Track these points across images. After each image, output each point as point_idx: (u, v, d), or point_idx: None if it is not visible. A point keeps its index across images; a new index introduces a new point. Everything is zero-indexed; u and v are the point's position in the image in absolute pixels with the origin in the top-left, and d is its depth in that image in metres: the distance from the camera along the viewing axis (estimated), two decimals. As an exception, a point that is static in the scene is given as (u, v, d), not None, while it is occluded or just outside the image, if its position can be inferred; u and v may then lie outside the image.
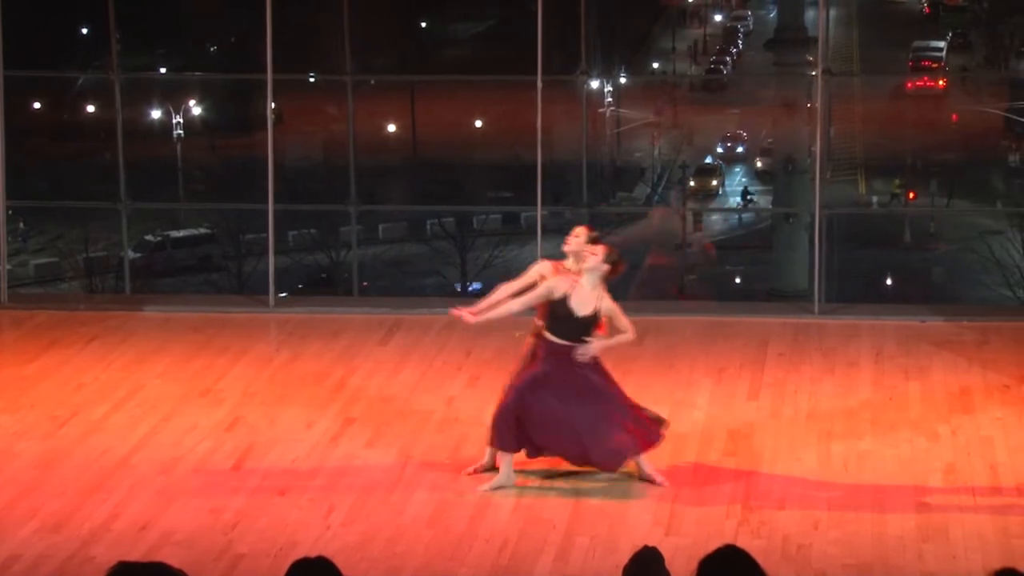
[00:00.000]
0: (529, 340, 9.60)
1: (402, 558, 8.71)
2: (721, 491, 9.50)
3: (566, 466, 9.78)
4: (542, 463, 9.82)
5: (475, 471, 9.69)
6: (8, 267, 14.37)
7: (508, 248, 34.58)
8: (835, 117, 37.56)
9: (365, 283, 29.21)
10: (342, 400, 11.21)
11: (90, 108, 39.13)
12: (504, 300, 9.44)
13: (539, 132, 14.02)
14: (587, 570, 8.56)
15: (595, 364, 9.42)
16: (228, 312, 13.66)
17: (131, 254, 22.44)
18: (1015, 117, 40.28)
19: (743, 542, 8.50)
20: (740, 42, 54.17)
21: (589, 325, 9.25)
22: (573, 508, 9.28)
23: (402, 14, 45.07)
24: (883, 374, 11.67)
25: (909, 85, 45.52)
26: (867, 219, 37.18)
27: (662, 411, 10.83)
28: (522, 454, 9.62)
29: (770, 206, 38.11)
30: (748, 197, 41.75)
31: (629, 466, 9.57)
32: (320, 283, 33.26)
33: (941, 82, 46.20)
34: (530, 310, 9.56)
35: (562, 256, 9.57)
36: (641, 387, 11.41)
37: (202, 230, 37.74)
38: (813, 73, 16.46)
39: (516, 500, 9.38)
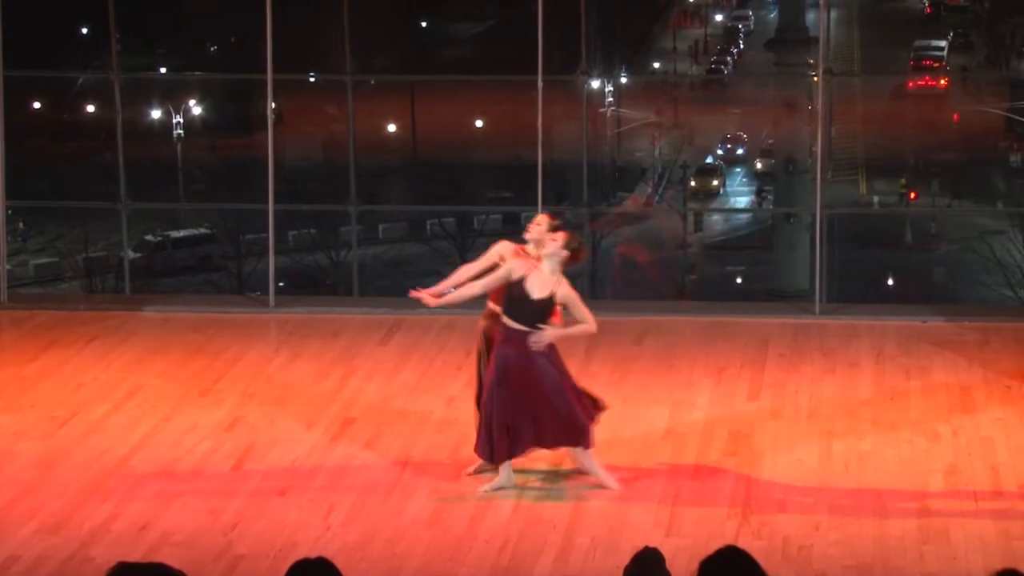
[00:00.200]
0: (481, 323, 9.60)
1: (402, 559, 8.70)
2: (722, 492, 9.50)
3: (567, 466, 9.78)
4: (543, 464, 9.81)
5: (475, 471, 9.68)
6: (8, 267, 14.37)
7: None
8: (836, 117, 37.52)
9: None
10: (342, 400, 11.21)
11: (90, 108, 39.11)
12: (464, 282, 9.43)
13: (540, 132, 14.01)
14: (587, 571, 8.55)
15: (550, 352, 9.34)
16: (228, 312, 13.66)
17: (131, 254, 22.42)
18: (1016, 117, 40.25)
19: (744, 543, 8.49)
20: (741, 42, 54.15)
21: (544, 310, 9.19)
22: (573, 509, 9.27)
23: (402, 14, 45.04)
24: (884, 374, 11.67)
25: (910, 84, 45.50)
26: (868, 219, 37.15)
27: (662, 411, 10.86)
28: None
29: (770, 206, 38.09)
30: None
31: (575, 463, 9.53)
32: (319, 285, 33.24)
33: (942, 81, 46.18)
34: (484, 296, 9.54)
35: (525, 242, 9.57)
36: (641, 387, 11.43)
37: (202, 230, 37.71)
38: (814, 74, 16.46)
39: (516, 501, 9.37)
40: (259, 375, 11.79)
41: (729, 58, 52.45)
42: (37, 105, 40.50)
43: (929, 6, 55.53)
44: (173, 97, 40.28)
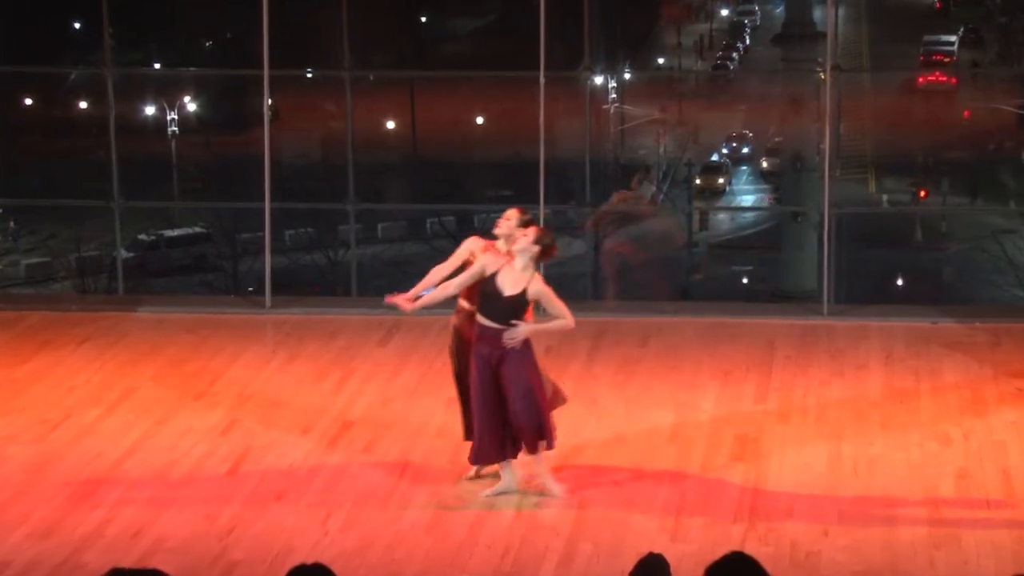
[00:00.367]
0: (453, 321, 9.59)
1: (401, 565, 8.69)
2: (728, 497, 9.49)
3: (569, 471, 9.77)
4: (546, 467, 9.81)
5: (475, 475, 9.68)
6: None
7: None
8: (844, 114, 37.51)
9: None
10: (340, 403, 11.20)
11: (83, 104, 39.11)
12: (438, 282, 9.43)
13: (542, 129, 14.02)
14: (590, 577, 8.55)
15: (524, 349, 9.30)
16: (223, 313, 13.66)
17: (124, 254, 22.38)
18: (1029, 114, 40.23)
19: (750, 549, 8.48)
20: (747, 37, 54.15)
21: (517, 307, 9.16)
22: (576, 514, 9.27)
23: (401, 9, 45.04)
24: (893, 377, 11.66)
25: (920, 81, 45.48)
26: (877, 218, 37.14)
27: (666, 414, 10.86)
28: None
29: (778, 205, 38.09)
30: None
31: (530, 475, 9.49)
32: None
33: (952, 78, 46.15)
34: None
35: (495, 238, 9.56)
36: (645, 389, 11.43)
37: (197, 229, 37.70)
38: (822, 70, 16.46)
39: (518, 506, 9.37)
40: (255, 377, 11.78)
41: (735, 54, 52.44)
42: (29, 101, 40.51)
43: (939, 1, 55.52)
44: (167, 93, 40.28)
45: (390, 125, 42.06)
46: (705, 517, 9.19)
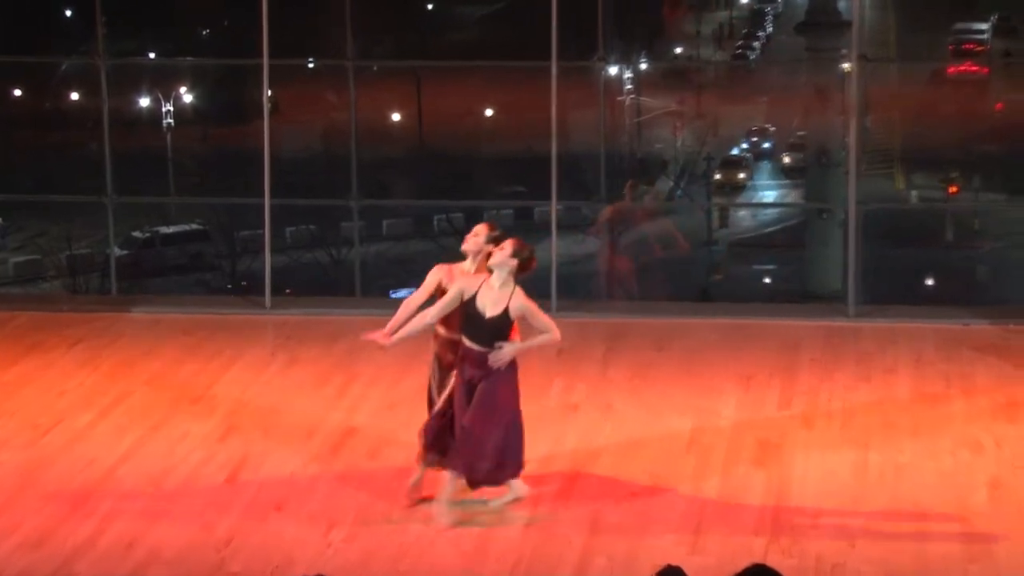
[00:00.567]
0: (432, 348, 9.58)
1: (407, 577, 8.70)
2: (749, 506, 9.48)
3: (583, 480, 9.77)
4: (557, 477, 9.80)
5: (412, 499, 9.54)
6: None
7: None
8: (871, 106, 37.48)
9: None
10: (343, 408, 11.20)
11: (74, 96, 39.20)
12: (416, 313, 9.38)
13: (553, 122, 14.01)
14: (605, 591, 8.55)
15: (509, 374, 9.23)
16: (221, 314, 13.67)
17: (118, 251, 22.42)
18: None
19: (773, 561, 8.47)
20: (769, 26, 54.12)
21: (501, 327, 9.14)
22: (590, 525, 9.26)
23: (406, -5, 45.11)
24: (923, 381, 11.65)
25: (950, 71, 45.42)
26: (905, 215, 37.11)
27: (685, 420, 10.85)
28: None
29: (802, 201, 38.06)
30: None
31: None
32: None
33: (984, 68, 46.08)
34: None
35: (461, 257, 9.53)
36: (663, 395, 11.42)
37: (194, 226, 37.78)
38: (847, 60, 16.43)
39: (530, 516, 9.36)
40: (254, 381, 11.79)
41: (756, 43, 52.42)
42: (18, 93, 40.62)
43: (970, -13, 55.43)
44: (163, 84, 40.36)
45: (395, 117, 42.11)
46: (725, 528, 9.18)
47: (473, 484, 9.29)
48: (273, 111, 14.69)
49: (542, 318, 9.20)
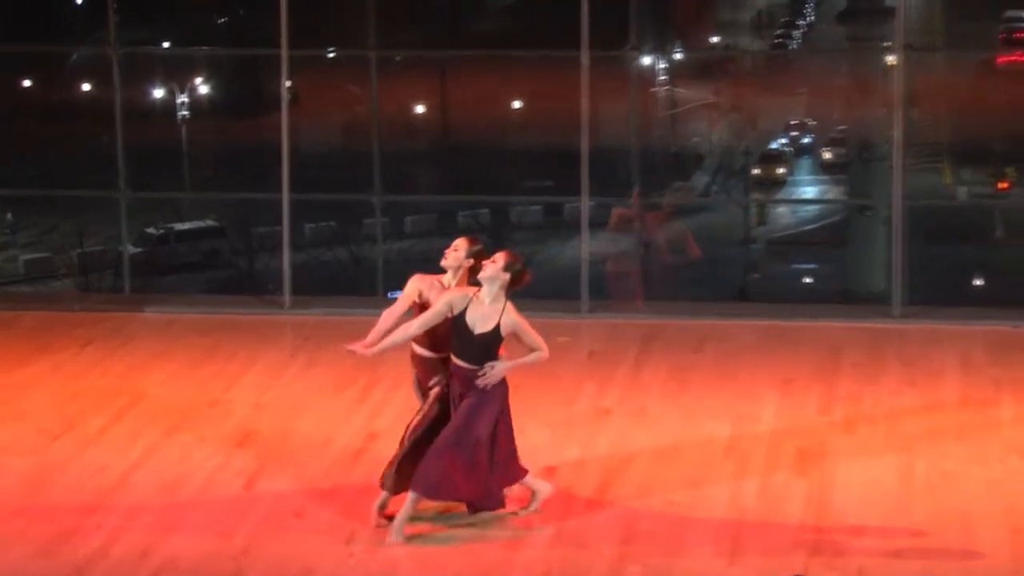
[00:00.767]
0: (412, 372, 9.57)
1: (431, 589, 8.71)
2: (789, 516, 9.46)
3: (616, 487, 9.77)
4: (588, 484, 9.80)
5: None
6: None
7: (549, 244, 34.57)
8: (916, 98, 37.35)
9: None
10: (365, 412, 11.22)
11: (86, 86, 39.31)
12: (397, 324, 9.38)
13: (584, 114, 14.00)
14: (638, 604, 8.55)
15: (497, 394, 9.22)
16: (238, 314, 13.70)
17: (131, 249, 22.48)
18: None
19: (814, 574, 8.47)
20: (810, 14, 53.97)
21: (491, 344, 9.15)
22: (623, 533, 9.25)
23: (431, -17, 45.11)
24: (971, 385, 11.61)
25: (1000, 60, 45.21)
26: (953, 212, 36.96)
27: (722, 426, 10.84)
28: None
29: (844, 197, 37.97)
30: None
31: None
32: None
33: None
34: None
35: (440, 271, 9.53)
36: (699, 399, 11.41)
37: (209, 222, 37.85)
38: (891, 50, 16.38)
39: (559, 524, 9.35)
40: (272, 384, 11.81)
41: (796, 32, 52.28)
42: (27, 83, 40.74)
43: (1021, -28, 55.22)
44: (177, 74, 40.44)
45: (419, 109, 42.12)
46: (764, 539, 9.16)
47: (472, 508, 9.30)
48: (292, 103, 14.69)
49: (533, 335, 9.21)
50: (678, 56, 45.44)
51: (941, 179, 41.43)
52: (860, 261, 27.34)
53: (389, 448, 10.50)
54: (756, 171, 42.71)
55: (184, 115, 40.28)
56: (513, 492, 9.50)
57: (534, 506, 9.47)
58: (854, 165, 30.06)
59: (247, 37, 37.20)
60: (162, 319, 13.43)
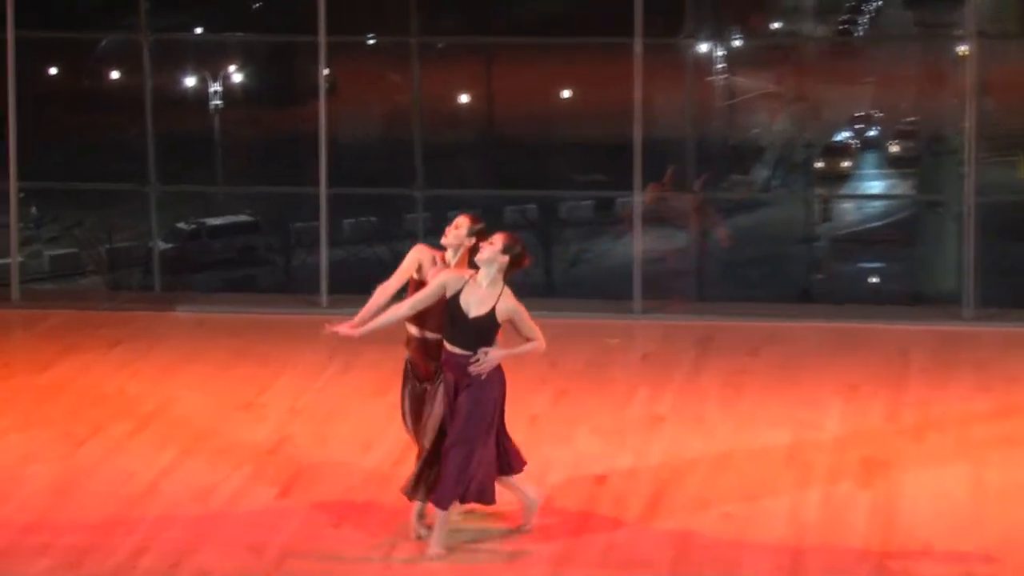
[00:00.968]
0: (406, 354, 9.52)
1: (475, 605, 8.70)
2: (854, 530, 9.42)
3: (670, 499, 9.74)
4: (640, 495, 9.78)
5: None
6: (19, 259, 14.52)
7: (600, 240, 34.55)
8: (990, 88, 37.14)
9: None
10: (405, 418, 11.21)
11: (115, 74, 39.48)
12: (387, 303, 9.36)
13: (638, 104, 13.99)
14: (693, 622, 8.53)
15: (492, 381, 9.22)
16: (273, 313, 13.73)
17: (161, 245, 22.58)
18: None
19: (880, 591, 8.44)
20: (877, -2, 53.77)
21: (486, 329, 9.11)
22: (677, 548, 9.22)
23: (477, -34, 45.15)
24: (1048, 392, 11.56)
25: (1081, 47, 44.91)
26: (1029, 208, 36.76)
27: (782, 434, 10.79)
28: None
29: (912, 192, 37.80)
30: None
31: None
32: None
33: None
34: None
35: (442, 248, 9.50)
36: (757, 405, 11.38)
37: (243, 217, 37.97)
38: (961, 47, 16.30)
39: (608, 537, 9.33)
40: (308, 387, 11.83)
41: (862, 17, 52.11)
42: (54, 71, 40.95)
43: (1103, -46, 54.85)
44: (210, 62, 40.55)
45: (463, 99, 42.15)
46: (827, 554, 9.12)
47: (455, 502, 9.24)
48: (330, 92, 14.71)
49: (530, 324, 9.17)
50: (737, 43, 45.31)
51: (1016, 173, 41.20)
52: (930, 260, 27.20)
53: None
54: (819, 164, 42.52)
55: (217, 104, 40.40)
56: (502, 508, 9.43)
57: (527, 527, 9.41)
58: (923, 159, 29.93)
59: (283, 23, 37.29)
60: (193, 319, 13.48)
